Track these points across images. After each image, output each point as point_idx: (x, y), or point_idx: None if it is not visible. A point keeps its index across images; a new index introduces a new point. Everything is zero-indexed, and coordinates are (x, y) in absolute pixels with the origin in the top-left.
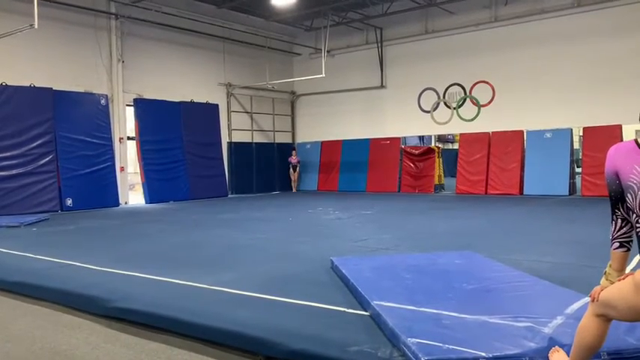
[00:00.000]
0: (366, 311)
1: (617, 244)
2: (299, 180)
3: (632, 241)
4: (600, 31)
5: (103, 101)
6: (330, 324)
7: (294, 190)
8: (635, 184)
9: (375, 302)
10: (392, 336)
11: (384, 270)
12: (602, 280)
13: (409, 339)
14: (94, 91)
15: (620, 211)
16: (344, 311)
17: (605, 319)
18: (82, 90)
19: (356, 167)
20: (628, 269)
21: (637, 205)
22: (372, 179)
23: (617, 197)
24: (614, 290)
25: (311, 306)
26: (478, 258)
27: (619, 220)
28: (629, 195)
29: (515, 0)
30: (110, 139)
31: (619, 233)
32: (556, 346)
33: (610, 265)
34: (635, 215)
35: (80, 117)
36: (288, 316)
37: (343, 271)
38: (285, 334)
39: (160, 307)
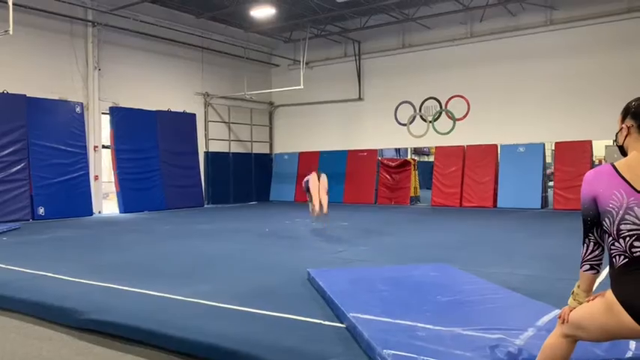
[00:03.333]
0: (343, 323)
1: (588, 267)
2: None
3: (601, 263)
4: (572, 48)
5: (78, 109)
6: (307, 336)
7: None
8: (613, 208)
9: (351, 314)
10: (368, 348)
11: (361, 282)
12: (570, 301)
13: (385, 351)
14: (69, 99)
15: (593, 235)
16: (320, 323)
17: (573, 339)
18: (56, 97)
19: (333, 178)
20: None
21: (615, 230)
22: (349, 191)
23: (592, 222)
24: (584, 312)
25: (288, 318)
26: (453, 270)
27: (591, 244)
28: (606, 219)
29: (490, 17)
30: (85, 148)
31: (590, 256)
32: None
33: (578, 286)
34: (611, 239)
35: (54, 125)
36: (265, 329)
37: (320, 282)
38: (261, 347)
39: (135, 319)
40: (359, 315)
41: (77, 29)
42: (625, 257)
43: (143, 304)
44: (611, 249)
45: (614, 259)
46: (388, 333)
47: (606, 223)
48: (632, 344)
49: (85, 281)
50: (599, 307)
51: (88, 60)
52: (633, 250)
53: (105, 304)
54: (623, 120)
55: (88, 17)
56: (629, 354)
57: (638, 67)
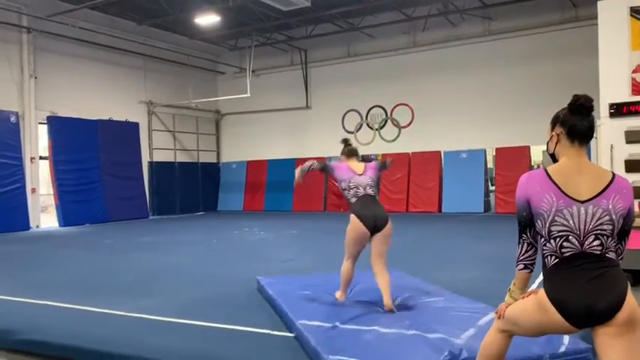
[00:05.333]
0: (292, 332)
1: (522, 266)
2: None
3: (535, 263)
4: (509, 58)
5: (12, 119)
6: (255, 348)
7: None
8: (545, 211)
9: (299, 322)
10: (314, 354)
11: (309, 289)
12: (507, 297)
13: (330, 356)
14: (3, 108)
15: (527, 236)
16: (269, 334)
17: (509, 334)
18: None
19: (282, 187)
20: (530, 288)
21: (546, 231)
22: (298, 199)
23: (526, 223)
24: (519, 309)
25: (236, 330)
26: (399, 275)
27: (525, 244)
28: (539, 221)
29: (432, 27)
30: (20, 159)
31: (524, 256)
32: None
33: (514, 284)
34: (543, 239)
35: None
36: (213, 342)
37: (269, 291)
38: None
39: (71, 338)
40: (307, 322)
41: (11, 35)
42: (556, 257)
43: (81, 322)
44: (543, 249)
45: (546, 260)
46: (334, 339)
47: (539, 224)
48: (566, 339)
49: (17, 299)
50: (532, 304)
51: (24, 68)
52: (563, 250)
53: (38, 322)
54: (552, 128)
55: (23, 23)
56: (563, 348)
57: (570, 75)
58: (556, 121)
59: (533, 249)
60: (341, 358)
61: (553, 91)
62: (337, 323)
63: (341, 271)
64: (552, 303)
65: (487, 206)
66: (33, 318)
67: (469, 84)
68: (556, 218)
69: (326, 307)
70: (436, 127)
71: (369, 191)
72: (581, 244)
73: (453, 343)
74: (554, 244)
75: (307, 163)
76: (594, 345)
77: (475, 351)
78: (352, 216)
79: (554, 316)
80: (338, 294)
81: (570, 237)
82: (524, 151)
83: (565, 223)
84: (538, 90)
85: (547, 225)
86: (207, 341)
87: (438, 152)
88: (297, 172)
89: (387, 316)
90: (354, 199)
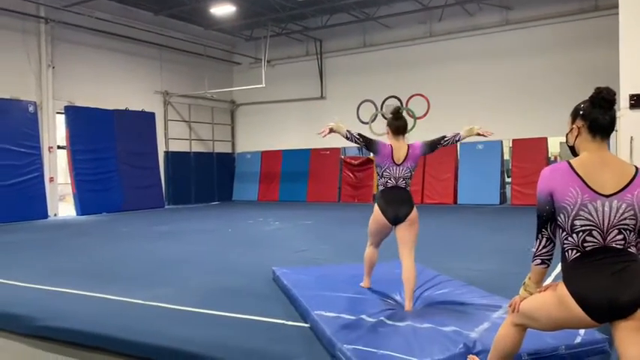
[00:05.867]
0: (307, 322)
1: (539, 261)
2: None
3: (552, 258)
4: (527, 48)
5: (31, 108)
6: (271, 337)
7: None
8: (568, 205)
9: (314, 312)
10: (329, 345)
11: (325, 280)
12: (521, 291)
13: (345, 345)
14: (22, 98)
15: (547, 230)
16: (284, 324)
17: (523, 327)
18: (7, 96)
19: (296, 177)
20: (546, 282)
21: (569, 225)
22: (313, 189)
23: (547, 217)
24: (536, 302)
25: (251, 319)
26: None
27: (544, 239)
28: (561, 215)
29: (449, 16)
30: (39, 149)
31: (542, 251)
32: (471, 355)
33: (529, 278)
34: (564, 233)
35: (6, 125)
36: (227, 331)
37: (284, 281)
38: (224, 350)
39: (92, 325)
40: (322, 313)
41: (29, 26)
42: (577, 251)
43: (100, 309)
44: (564, 243)
45: (566, 253)
46: (349, 329)
47: (561, 218)
48: (582, 330)
49: (38, 287)
50: (550, 299)
51: (42, 58)
52: (585, 244)
53: (60, 309)
54: (573, 121)
55: (41, 14)
56: (579, 339)
57: (588, 66)
58: (577, 113)
59: (552, 244)
60: (357, 347)
61: (571, 82)
62: (353, 315)
63: (364, 257)
64: (573, 297)
65: (503, 198)
66: (52, 305)
67: (486, 74)
68: (580, 212)
69: (341, 298)
70: (452, 118)
71: (401, 183)
72: (604, 239)
73: (467, 336)
74: (576, 238)
75: (355, 132)
76: (614, 340)
77: (489, 344)
78: (375, 206)
79: (575, 310)
80: (363, 283)
81: (594, 231)
82: (542, 142)
83: (589, 217)
84: (556, 81)
85: (570, 219)
86: (223, 330)
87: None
88: (339, 125)
89: (402, 309)
90: (382, 187)
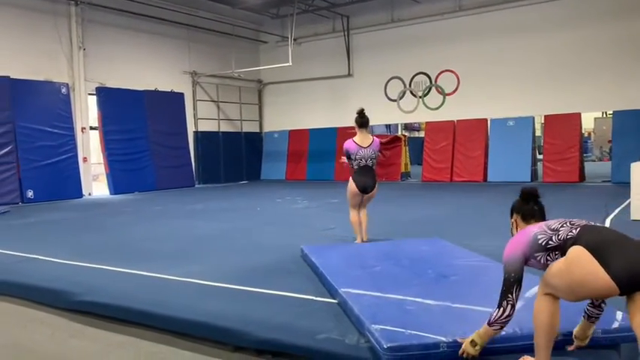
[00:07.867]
0: (334, 299)
1: (498, 327)
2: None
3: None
4: (559, 21)
5: (63, 90)
6: (299, 312)
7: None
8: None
9: (342, 290)
10: (358, 323)
11: (353, 258)
12: (467, 345)
13: (373, 325)
14: (54, 80)
15: (512, 296)
16: (312, 299)
17: (553, 297)
18: (41, 79)
19: (324, 156)
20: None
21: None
22: (340, 168)
23: (517, 278)
24: (555, 270)
25: (280, 295)
26: (444, 244)
27: (509, 307)
28: (532, 261)
29: None
30: (72, 129)
31: (503, 319)
32: (525, 356)
33: (479, 335)
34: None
35: (40, 106)
36: (257, 306)
37: (313, 259)
38: (254, 324)
39: (127, 300)
40: (350, 290)
41: (60, 8)
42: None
43: (135, 285)
44: (547, 259)
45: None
46: (378, 307)
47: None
48: (619, 315)
49: (76, 263)
50: (560, 265)
51: (73, 40)
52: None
53: (97, 285)
54: (511, 217)
55: None
56: (616, 324)
57: (622, 39)
58: (512, 210)
59: (513, 310)
60: (385, 327)
61: (605, 56)
62: (381, 292)
63: (350, 220)
64: (600, 264)
65: (534, 175)
66: (90, 281)
67: (517, 49)
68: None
69: (369, 276)
70: (482, 94)
71: (369, 163)
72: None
73: None
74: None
75: (344, 159)
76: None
77: (523, 323)
78: (350, 179)
79: (601, 274)
80: (357, 240)
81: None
82: (575, 118)
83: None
84: (588, 54)
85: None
86: (253, 305)
87: (485, 120)
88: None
89: (431, 287)
90: (356, 167)
